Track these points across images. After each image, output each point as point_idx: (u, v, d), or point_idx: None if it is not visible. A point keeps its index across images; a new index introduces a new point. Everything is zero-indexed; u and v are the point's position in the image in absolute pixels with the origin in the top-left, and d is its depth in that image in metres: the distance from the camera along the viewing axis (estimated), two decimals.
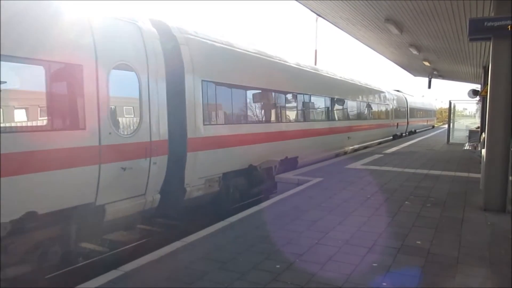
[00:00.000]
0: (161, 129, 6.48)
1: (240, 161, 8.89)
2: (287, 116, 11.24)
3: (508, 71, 6.24)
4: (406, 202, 7.05)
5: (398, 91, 28.69)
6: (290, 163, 11.26)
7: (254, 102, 9.80)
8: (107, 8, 5.92)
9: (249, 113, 9.40)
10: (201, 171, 7.52)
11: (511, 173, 6.58)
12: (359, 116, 17.53)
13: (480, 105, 19.19)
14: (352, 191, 8.00)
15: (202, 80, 7.54)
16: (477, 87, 21.32)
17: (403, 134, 27.82)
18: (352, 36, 13.49)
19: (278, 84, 10.65)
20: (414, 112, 31.62)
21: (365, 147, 17.86)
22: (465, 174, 10.17)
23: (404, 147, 17.98)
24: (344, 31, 12.72)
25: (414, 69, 22.56)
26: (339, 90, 15.37)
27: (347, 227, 5.52)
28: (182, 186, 7.18)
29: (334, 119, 14.57)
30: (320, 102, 13.64)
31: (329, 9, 10.17)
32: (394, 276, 3.93)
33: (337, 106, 15.00)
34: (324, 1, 9.49)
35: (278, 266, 4.17)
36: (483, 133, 10.31)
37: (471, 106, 25.06)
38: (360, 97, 17.91)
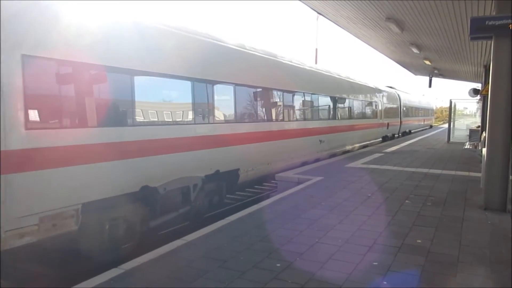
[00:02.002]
0: None
1: (121, 182, 5.98)
2: (217, 116, 8.25)
3: (509, 70, 6.22)
4: (407, 201, 7.04)
5: (390, 87, 26.44)
6: (225, 179, 8.61)
7: (148, 94, 6.67)
8: None
9: (138, 110, 6.31)
10: (26, 205, 4.73)
11: None
12: (336, 115, 14.86)
13: (480, 104, 19.20)
14: (352, 190, 7.99)
15: (24, 55, 4.62)
16: (478, 86, 21.34)
17: (396, 135, 25.30)
18: (353, 35, 13.48)
19: (203, 70, 7.74)
20: (408, 110, 29.23)
21: (346, 151, 15.89)
22: (466, 173, 10.17)
23: (405, 146, 17.97)
24: (345, 30, 12.71)
25: (415, 68, 22.54)
26: (306, 83, 12.53)
27: (347, 226, 5.52)
28: None
29: (297, 119, 11.84)
30: (274, 97, 10.73)
31: (330, 7, 10.15)
32: (394, 275, 3.92)
33: (302, 103, 12.22)
34: (325, 0, 9.48)
35: (278, 264, 4.17)
36: (484, 132, 10.32)
37: (472, 105, 25.12)
38: (337, 92, 15.09)
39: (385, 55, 17.87)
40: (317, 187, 8.35)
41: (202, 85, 7.79)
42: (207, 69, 7.96)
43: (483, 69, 17.86)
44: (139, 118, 6.37)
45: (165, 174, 6.80)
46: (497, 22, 6.20)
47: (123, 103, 6.13)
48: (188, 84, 7.39)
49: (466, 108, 26.77)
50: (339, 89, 15.44)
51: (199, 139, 7.59)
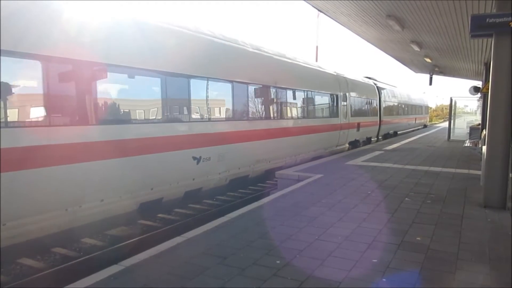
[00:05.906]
0: None
1: None
2: None
3: (509, 68, 6.22)
4: (406, 199, 7.05)
5: (368, 78, 22.01)
6: None
7: None
8: None
9: None
10: None
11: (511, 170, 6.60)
12: (243, 111, 9.85)
13: (481, 102, 19.20)
14: (352, 187, 8.00)
15: None
16: (479, 84, 21.34)
17: (373, 139, 20.50)
18: (354, 33, 13.48)
19: None
20: (392, 107, 24.11)
21: (278, 168, 10.80)
22: (466, 171, 10.18)
23: (405, 144, 17.99)
24: (346, 27, 12.71)
25: (415, 66, 22.52)
26: (172, 56, 7.63)
27: (347, 223, 5.53)
28: None
29: (132, 120, 6.83)
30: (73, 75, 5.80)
31: (330, 5, 10.14)
32: (393, 272, 3.94)
33: (156, 89, 7.26)
34: None
35: (278, 261, 4.18)
36: (484, 130, 10.31)
37: (472, 103, 25.10)
38: (258, 76, 10.36)
39: (386, 53, 17.85)
40: (317, 184, 8.36)
41: None
42: None
43: (484, 67, 17.85)
44: None
45: None
46: (498, 20, 6.21)
47: None
48: None
49: (467, 106, 26.78)
50: (257, 71, 10.46)
51: None
